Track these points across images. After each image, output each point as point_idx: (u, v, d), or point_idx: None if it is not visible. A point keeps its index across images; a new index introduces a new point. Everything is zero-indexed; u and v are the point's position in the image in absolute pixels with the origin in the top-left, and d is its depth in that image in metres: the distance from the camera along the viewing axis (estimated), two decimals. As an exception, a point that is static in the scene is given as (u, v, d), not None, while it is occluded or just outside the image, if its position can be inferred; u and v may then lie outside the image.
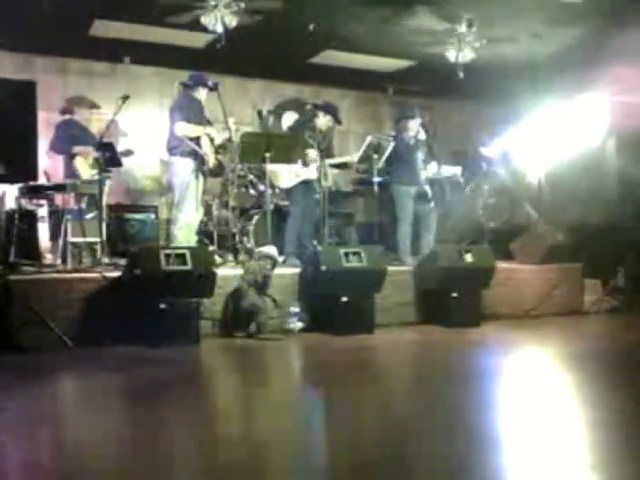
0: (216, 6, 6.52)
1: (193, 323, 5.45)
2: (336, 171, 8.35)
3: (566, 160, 8.56)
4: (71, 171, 7.14)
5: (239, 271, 5.89)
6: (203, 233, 7.33)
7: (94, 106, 7.35)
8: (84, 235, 6.44)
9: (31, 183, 6.19)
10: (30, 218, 6.52)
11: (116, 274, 5.63)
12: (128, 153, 7.84)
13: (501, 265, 7.13)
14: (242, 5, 6.55)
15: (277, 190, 7.38)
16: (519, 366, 4.97)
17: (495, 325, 6.62)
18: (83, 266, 6.19)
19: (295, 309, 5.99)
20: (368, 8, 7.11)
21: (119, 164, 7.10)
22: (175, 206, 6.90)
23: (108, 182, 7.10)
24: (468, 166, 8.21)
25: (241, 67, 8.79)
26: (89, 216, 6.59)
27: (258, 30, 7.10)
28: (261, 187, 7.63)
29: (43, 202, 6.68)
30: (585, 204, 8.57)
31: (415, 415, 3.58)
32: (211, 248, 6.67)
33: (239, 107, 8.60)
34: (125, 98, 6.47)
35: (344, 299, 5.94)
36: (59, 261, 6.23)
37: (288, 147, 6.77)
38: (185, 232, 6.75)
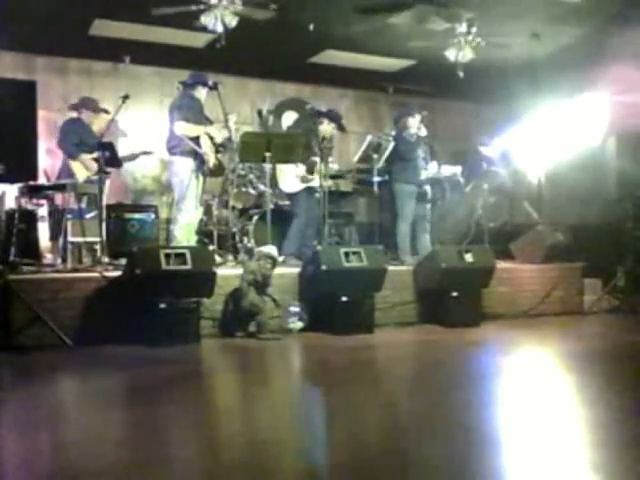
0: (216, 6, 6.51)
1: (193, 323, 5.45)
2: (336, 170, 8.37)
3: (566, 160, 8.56)
4: (67, 171, 7.13)
5: (239, 271, 5.89)
6: (203, 233, 7.33)
7: (104, 111, 7.33)
8: (84, 235, 6.44)
9: (31, 183, 6.20)
10: (30, 218, 6.52)
11: (116, 274, 5.63)
12: (146, 153, 7.79)
13: (501, 265, 7.14)
14: (242, 6, 6.54)
15: (277, 190, 7.38)
16: (519, 366, 4.97)
17: (495, 325, 6.62)
18: (83, 266, 6.19)
19: (295, 309, 5.99)
20: (368, 8, 7.11)
21: (119, 164, 7.09)
22: (175, 206, 6.91)
23: (107, 182, 7.10)
24: (468, 166, 8.21)
25: (241, 67, 8.80)
26: (89, 216, 6.59)
27: (258, 30, 7.10)
28: (261, 187, 7.64)
29: (43, 202, 6.68)
30: (585, 204, 8.57)
31: (415, 415, 3.58)
32: (211, 248, 6.66)
33: (239, 107, 8.59)
34: (125, 98, 6.46)
35: (344, 299, 5.94)
36: (59, 261, 6.23)
37: (288, 147, 6.76)
38: (185, 232, 6.76)
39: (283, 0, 6.62)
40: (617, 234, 8.01)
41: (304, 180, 7.10)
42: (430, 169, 7.60)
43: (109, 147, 6.64)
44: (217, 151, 7.04)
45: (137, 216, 7.55)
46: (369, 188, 7.62)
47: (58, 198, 6.65)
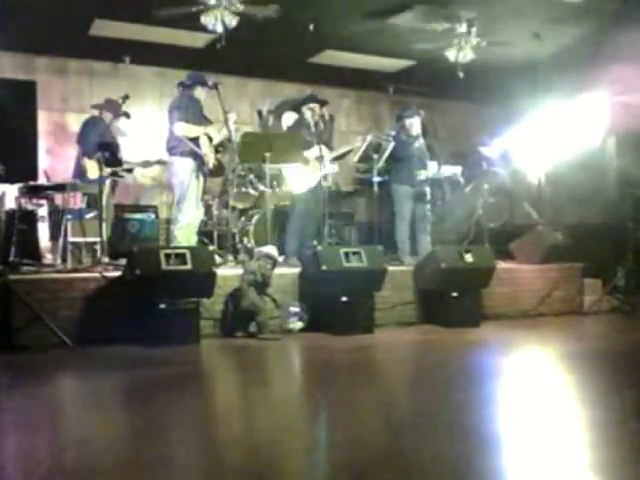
0: (216, 6, 6.51)
1: (193, 323, 5.45)
2: (336, 171, 8.36)
3: (566, 160, 8.55)
4: (79, 170, 7.14)
5: (239, 271, 5.89)
6: (203, 233, 7.33)
7: (125, 115, 7.34)
8: (84, 235, 6.44)
9: (31, 183, 6.19)
10: (30, 218, 6.52)
11: (116, 274, 5.63)
12: (160, 163, 7.78)
13: (501, 265, 7.14)
14: (242, 5, 6.54)
15: (277, 190, 7.37)
16: (519, 366, 4.97)
17: (495, 325, 6.62)
18: (83, 266, 6.19)
19: (295, 309, 5.99)
20: (368, 8, 7.12)
21: (119, 164, 7.09)
22: (175, 206, 6.91)
23: (107, 182, 7.08)
24: (468, 166, 8.20)
25: (241, 67, 8.79)
26: (89, 216, 6.58)
27: (258, 30, 7.09)
28: (261, 187, 7.64)
29: (43, 202, 6.68)
30: (585, 204, 8.56)
31: (415, 415, 3.58)
32: (211, 248, 6.66)
33: (239, 107, 8.59)
34: (125, 98, 6.47)
35: (344, 299, 5.94)
36: (59, 261, 6.23)
37: (288, 147, 6.76)
38: (185, 232, 6.76)
39: (283, 0, 6.62)
40: (617, 234, 8.00)
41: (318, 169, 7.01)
42: (430, 169, 7.60)
43: (109, 147, 6.65)
44: (217, 151, 7.04)
45: (137, 216, 7.55)
46: (369, 188, 7.62)
47: (58, 198, 6.65)
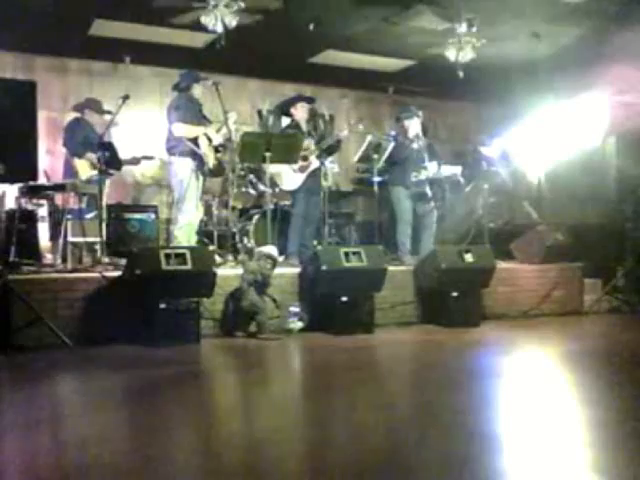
0: (216, 6, 6.51)
1: (193, 323, 5.45)
2: (336, 170, 8.36)
3: (566, 160, 8.56)
4: (70, 171, 7.14)
5: (239, 271, 5.89)
6: (203, 233, 7.33)
7: (107, 112, 7.34)
8: (84, 235, 6.44)
9: (31, 183, 6.19)
10: (30, 218, 6.51)
11: (116, 274, 5.63)
12: (147, 158, 7.81)
13: (501, 265, 7.14)
14: (242, 5, 6.54)
15: (277, 190, 7.37)
16: (519, 366, 4.97)
17: (495, 325, 6.62)
18: (83, 266, 6.19)
19: (295, 309, 5.99)
20: (368, 8, 7.11)
21: (119, 164, 7.09)
22: (175, 206, 6.91)
23: (107, 182, 7.10)
24: (468, 166, 8.21)
25: (241, 67, 8.79)
26: (89, 216, 6.59)
27: (258, 30, 7.09)
28: (261, 187, 7.64)
29: (43, 202, 6.68)
30: (585, 204, 8.56)
31: (415, 415, 3.58)
32: (211, 248, 6.66)
33: (239, 107, 8.58)
34: (125, 98, 6.47)
35: (344, 299, 5.94)
36: (59, 261, 6.23)
37: (288, 147, 6.76)
38: (185, 232, 6.76)
39: (283, 1, 6.62)
40: (617, 234, 8.01)
41: (303, 168, 7.05)
42: (430, 169, 7.60)
43: (109, 147, 6.65)
44: (217, 151, 7.04)
45: (137, 216, 7.55)
46: (369, 188, 7.62)
47: (58, 198, 6.65)
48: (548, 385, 4.35)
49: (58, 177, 7.44)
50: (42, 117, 6.33)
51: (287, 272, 6.28)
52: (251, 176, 7.85)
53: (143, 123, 8.62)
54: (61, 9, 6.87)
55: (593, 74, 7.87)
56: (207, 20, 6.60)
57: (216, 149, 6.99)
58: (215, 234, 7.23)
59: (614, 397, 3.85)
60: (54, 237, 6.52)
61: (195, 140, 6.70)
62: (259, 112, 9.43)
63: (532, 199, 9.22)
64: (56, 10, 6.85)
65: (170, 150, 6.79)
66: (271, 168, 6.68)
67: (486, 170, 8.08)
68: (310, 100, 7.46)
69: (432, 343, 5.84)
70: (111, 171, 6.88)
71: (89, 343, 5.18)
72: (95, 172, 6.77)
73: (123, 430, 3.36)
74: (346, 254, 6.03)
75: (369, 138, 7.36)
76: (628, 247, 7.85)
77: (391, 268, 6.42)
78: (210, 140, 6.84)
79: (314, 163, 7.06)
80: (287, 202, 7.51)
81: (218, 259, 6.37)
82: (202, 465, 2.83)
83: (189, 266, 5.36)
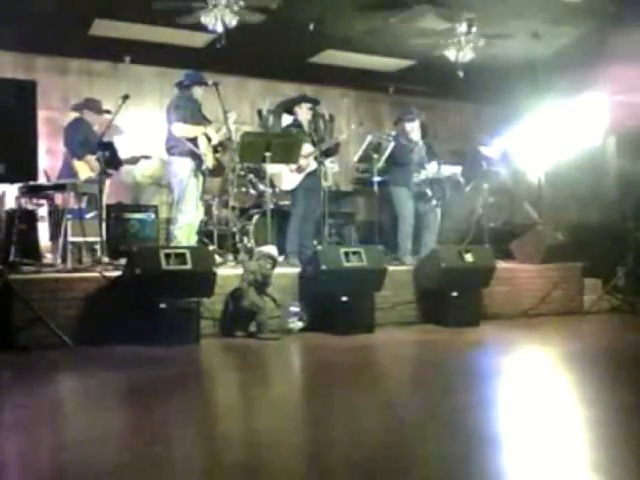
0: (216, 6, 6.51)
1: (193, 323, 5.45)
2: (336, 170, 8.35)
3: (566, 160, 8.55)
4: (69, 172, 7.14)
5: (239, 271, 5.89)
6: (203, 233, 7.33)
7: (107, 112, 7.35)
8: (84, 235, 6.44)
9: (31, 183, 6.19)
10: (30, 218, 6.52)
11: (116, 274, 5.63)
12: (146, 157, 7.82)
13: (501, 265, 7.14)
14: (242, 4, 6.54)
15: (277, 190, 7.37)
16: (519, 366, 4.97)
17: (495, 325, 6.62)
18: (83, 266, 6.19)
19: (295, 309, 5.99)
20: (368, 8, 7.11)
21: (119, 165, 7.09)
22: (175, 206, 6.91)
23: (107, 182, 7.10)
24: (468, 166, 8.20)
25: (241, 67, 8.79)
26: (89, 216, 6.59)
27: (258, 30, 7.09)
28: (261, 187, 7.63)
29: (43, 202, 6.68)
30: (585, 204, 8.56)
31: (415, 415, 3.58)
32: (211, 248, 6.66)
33: (239, 107, 8.59)
34: (125, 98, 6.46)
35: (344, 299, 5.94)
36: (59, 261, 6.23)
37: (288, 147, 6.76)
38: (185, 232, 6.76)
39: (283, 1, 6.61)
40: (617, 234, 8.01)
41: (300, 169, 7.05)
42: (430, 169, 7.60)
43: (109, 147, 6.65)
44: (216, 151, 7.04)
45: (137, 216, 7.55)
46: (369, 188, 7.62)
47: (58, 198, 6.65)
48: (548, 385, 4.35)
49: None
50: (42, 117, 6.32)
51: (287, 272, 6.28)
52: (251, 176, 7.85)
53: (143, 123, 8.62)
54: (61, 9, 6.87)
55: (593, 74, 7.87)
56: (207, 20, 6.60)
57: (215, 149, 7.00)
58: (215, 234, 7.23)
59: (614, 397, 3.85)
60: (54, 237, 6.53)
61: (194, 140, 6.70)
62: (259, 112, 9.42)
63: (532, 199, 9.22)
64: (56, 10, 6.86)
65: (170, 150, 6.80)
66: (270, 168, 6.69)
67: (486, 170, 8.08)
68: (315, 102, 7.45)
69: (432, 343, 5.84)
70: (110, 171, 6.88)
71: (89, 343, 5.18)
72: (93, 174, 6.79)
73: (123, 430, 3.36)
74: (346, 254, 6.03)
75: (369, 138, 7.36)
76: (628, 247, 7.85)
77: (391, 268, 6.42)
78: (209, 139, 6.84)
79: (311, 165, 7.06)
80: (287, 202, 7.51)
81: (218, 259, 6.37)
82: (202, 465, 2.83)
83: (189, 266, 5.36)
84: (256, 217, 7.47)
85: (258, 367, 5.02)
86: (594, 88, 8.33)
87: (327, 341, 5.70)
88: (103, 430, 3.27)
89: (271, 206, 6.78)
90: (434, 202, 7.53)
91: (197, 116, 6.82)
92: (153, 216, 7.66)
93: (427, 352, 5.54)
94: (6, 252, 5.99)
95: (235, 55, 7.68)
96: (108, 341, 5.16)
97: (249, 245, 7.21)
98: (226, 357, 5.46)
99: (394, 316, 6.51)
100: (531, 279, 7.42)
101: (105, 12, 7.18)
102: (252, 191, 7.93)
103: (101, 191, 6.42)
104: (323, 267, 5.88)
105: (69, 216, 6.37)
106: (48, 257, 6.51)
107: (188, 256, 5.39)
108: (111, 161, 6.63)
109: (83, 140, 7.10)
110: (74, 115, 7.52)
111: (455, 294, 6.39)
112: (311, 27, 7.39)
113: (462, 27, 7.36)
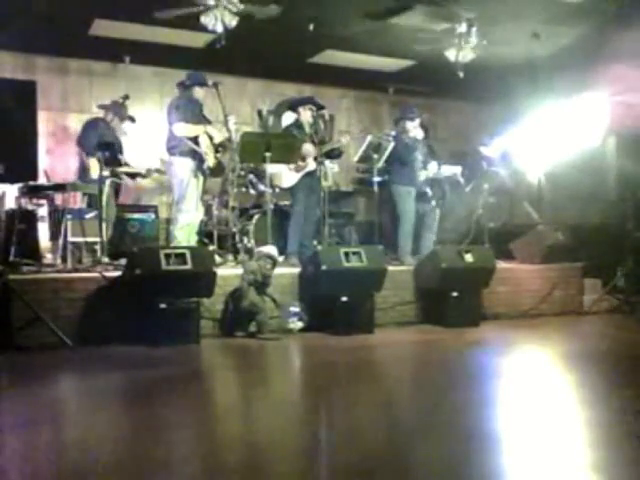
0: (216, 6, 6.51)
1: (193, 323, 5.45)
2: (336, 170, 8.35)
3: (566, 160, 8.55)
4: (83, 170, 7.14)
5: (239, 271, 5.89)
6: (203, 233, 7.33)
7: (130, 119, 7.36)
8: (84, 235, 6.44)
9: (31, 183, 6.20)
10: (30, 218, 6.51)
11: (116, 274, 5.63)
12: (158, 172, 7.78)
13: (501, 265, 7.14)
14: (242, 5, 6.54)
15: (277, 190, 7.38)
16: (519, 366, 4.97)
17: (495, 325, 6.63)
18: (83, 266, 6.19)
19: (295, 309, 5.99)
20: (368, 8, 7.12)
21: (119, 164, 7.09)
22: (175, 206, 6.91)
23: (107, 182, 7.07)
24: (468, 166, 8.21)
25: (241, 67, 8.79)
26: (89, 216, 6.59)
27: (258, 30, 7.09)
28: (261, 187, 7.63)
29: (43, 202, 6.68)
30: (585, 204, 8.56)
31: (415, 415, 3.58)
32: (211, 248, 6.66)
33: (239, 107, 8.60)
34: (125, 98, 6.46)
35: (344, 299, 5.94)
36: (59, 261, 6.23)
37: (288, 147, 6.76)
38: (185, 232, 6.76)
39: (283, 0, 6.62)
40: (617, 234, 8.01)
41: (299, 168, 7.05)
42: (430, 169, 7.60)
43: (109, 147, 6.64)
44: (216, 150, 7.04)
45: (137, 216, 7.55)
46: (369, 188, 7.62)
47: (58, 198, 6.65)
48: (548, 385, 4.35)
49: (59, 177, 7.44)
50: (42, 117, 6.33)
51: (287, 272, 6.28)
52: (251, 176, 7.85)
53: (143, 123, 8.61)
54: (61, 9, 6.87)
55: (593, 74, 7.87)
56: (207, 20, 6.60)
57: (216, 149, 7.00)
58: (215, 234, 7.23)
59: (614, 397, 3.85)
60: (54, 237, 6.52)
61: (196, 139, 6.70)
62: (259, 112, 9.42)
63: (532, 199, 9.22)
64: (56, 10, 6.86)
65: (170, 150, 6.80)
66: (269, 167, 6.69)
67: (486, 170, 8.09)
68: (321, 108, 7.44)
69: (432, 343, 5.84)
70: (123, 177, 6.87)
71: (89, 343, 5.18)
72: (106, 172, 6.75)
73: (123, 430, 3.36)
74: (346, 254, 6.03)
75: (369, 138, 7.36)
76: (628, 247, 7.85)
77: (391, 268, 6.42)
78: (211, 138, 6.85)
79: (310, 165, 7.06)
80: (287, 202, 7.51)
81: (218, 259, 6.37)
82: (202, 465, 2.83)
83: (189, 266, 5.36)
84: (256, 217, 7.47)
85: (258, 367, 5.02)
86: (594, 88, 8.33)
87: (327, 341, 5.70)
88: (103, 430, 3.27)
89: (271, 206, 6.77)
90: (434, 202, 7.53)
91: (198, 116, 6.82)
92: (153, 216, 7.66)
93: (427, 352, 5.54)
94: (6, 252, 5.99)
95: (235, 55, 7.69)
96: (108, 341, 5.16)
97: (249, 245, 7.21)
98: (226, 357, 5.46)
99: (394, 316, 6.51)
100: (531, 279, 7.41)
101: (105, 12, 7.19)
102: (252, 191, 7.92)
103: (101, 191, 6.41)
104: (323, 267, 5.88)
105: (69, 216, 6.38)
106: (48, 257, 6.51)
107: (188, 256, 5.39)
108: (111, 161, 6.62)
109: (97, 139, 7.08)
110: (96, 113, 7.52)
111: (455, 294, 6.39)
112: (311, 27, 7.39)
113: (462, 27, 7.36)
